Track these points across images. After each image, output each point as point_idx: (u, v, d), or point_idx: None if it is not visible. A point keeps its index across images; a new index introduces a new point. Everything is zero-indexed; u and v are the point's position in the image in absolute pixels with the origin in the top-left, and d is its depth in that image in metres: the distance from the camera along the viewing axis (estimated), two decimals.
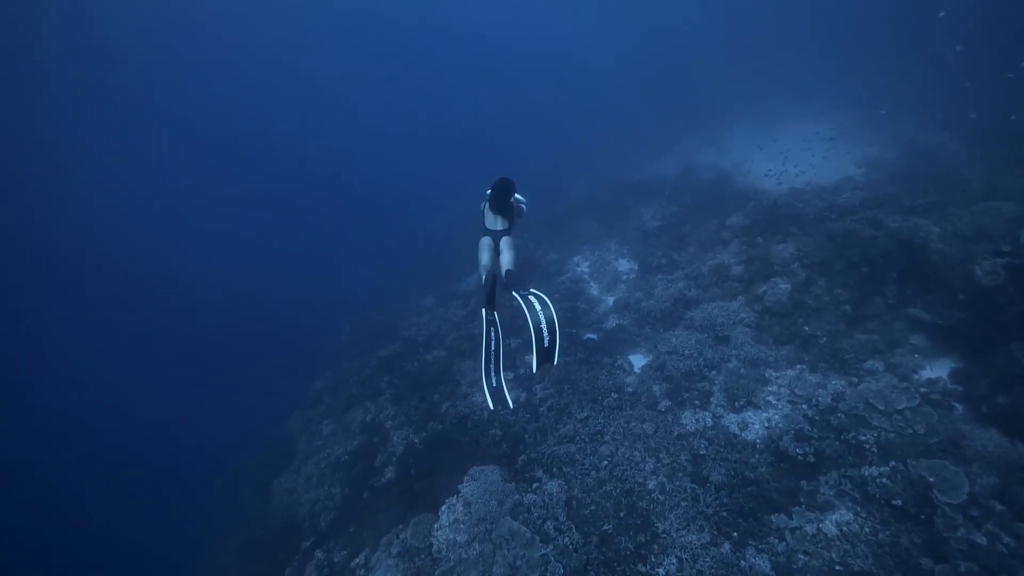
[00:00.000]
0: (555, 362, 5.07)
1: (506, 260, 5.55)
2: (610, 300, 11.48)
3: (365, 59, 46.54)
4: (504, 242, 5.65)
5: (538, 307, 5.18)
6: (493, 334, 5.26)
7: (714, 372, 7.90)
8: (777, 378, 7.32)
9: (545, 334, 5.11)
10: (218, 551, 10.83)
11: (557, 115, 32.79)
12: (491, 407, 5.05)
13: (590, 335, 10.35)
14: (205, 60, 36.70)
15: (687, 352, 8.28)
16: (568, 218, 15.27)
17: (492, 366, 5.22)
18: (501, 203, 5.65)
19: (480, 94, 45.88)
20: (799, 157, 13.84)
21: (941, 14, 13.45)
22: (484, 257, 5.77)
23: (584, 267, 13.14)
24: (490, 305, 5.23)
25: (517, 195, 5.82)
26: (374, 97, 47.62)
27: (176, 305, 25.15)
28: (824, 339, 7.76)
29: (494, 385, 5.18)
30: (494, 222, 5.74)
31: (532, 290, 5.43)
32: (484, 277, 5.53)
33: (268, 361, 16.48)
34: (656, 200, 14.18)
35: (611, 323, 10.53)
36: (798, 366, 7.45)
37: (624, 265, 12.58)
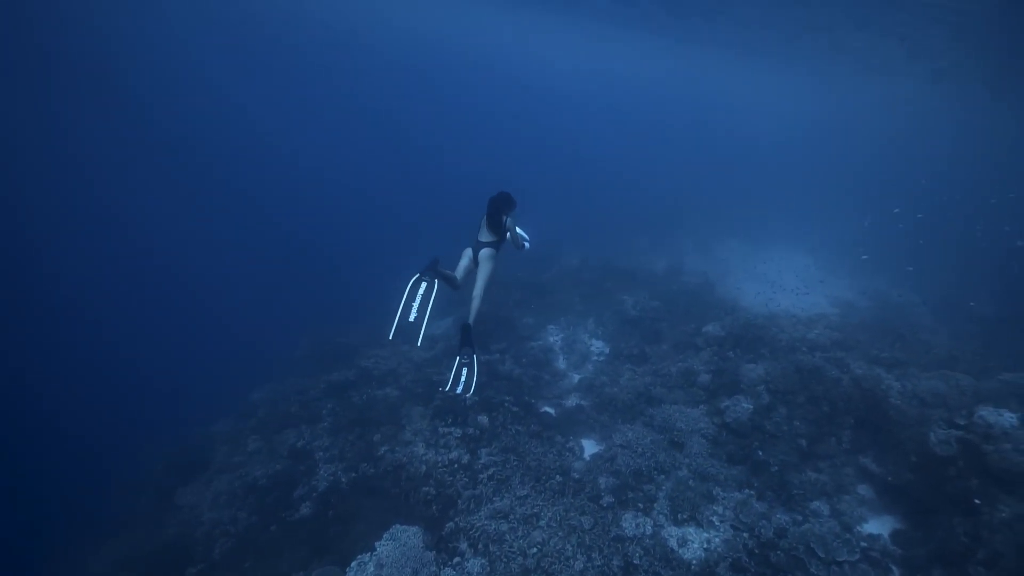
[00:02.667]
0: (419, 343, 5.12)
1: (478, 287, 5.57)
2: (575, 377, 11.35)
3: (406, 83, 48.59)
4: (484, 253, 5.61)
5: (463, 377, 5.25)
6: (424, 287, 5.28)
7: (663, 477, 7.71)
8: (724, 498, 7.16)
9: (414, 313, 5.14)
10: (91, 556, 9.67)
11: (567, 186, 33.76)
12: (391, 336, 4.94)
13: (548, 408, 10.13)
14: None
15: (640, 450, 8.10)
16: (553, 287, 15.36)
17: (417, 305, 5.17)
18: (494, 217, 5.63)
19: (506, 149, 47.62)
20: (781, 284, 14.39)
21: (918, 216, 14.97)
22: (460, 266, 5.77)
23: (557, 338, 13.07)
24: (429, 273, 5.34)
25: (520, 231, 5.83)
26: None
27: (140, 276, 23.79)
28: (776, 468, 7.69)
29: (410, 320, 5.12)
30: (484, 234, 5.73)
31: (474, 357, 5.36)
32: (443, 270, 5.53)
33: (212, 357, 15.49)
34: (640, 290, 14.42)
35: (571, 401, 10.35)
36: (746, 490, 7.31)
37: (596, 346, 12.56)
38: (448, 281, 5.61)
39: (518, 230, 5.82)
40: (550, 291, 15.10)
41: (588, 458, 8.48)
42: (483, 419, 9.07)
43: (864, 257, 15.22)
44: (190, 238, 25.80)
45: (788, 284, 14.50)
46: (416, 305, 5.18)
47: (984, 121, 28.18)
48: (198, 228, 26.89)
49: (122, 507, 10.57)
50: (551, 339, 12.97)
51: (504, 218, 5.62)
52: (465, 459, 8.20)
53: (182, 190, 30.90)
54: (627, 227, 22.82)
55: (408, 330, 5.13)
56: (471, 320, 5.48)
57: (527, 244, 5.96)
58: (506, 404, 9.49)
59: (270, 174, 35.25)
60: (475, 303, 5.53)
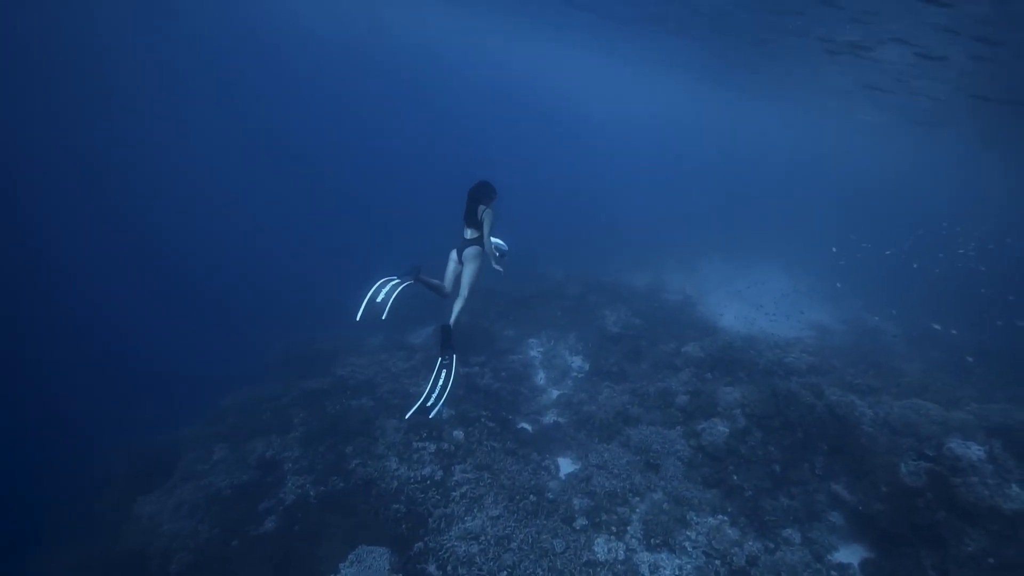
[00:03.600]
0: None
1: (463, 288, 5.40)
2: (554, 393, 11.28)
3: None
4: (469, 252, 5.36)
5: (441, 381, 5.13)
6: (396, 281, 5.21)
7: (637, 499, 7.65)
8: (698, 523, 7.12)
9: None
10: (45, 559, 9.24)
11: (554, 199, 33.80)
12: (357, 318, 4.91)
13: (525, 424, 10.02)
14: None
15: (616, 471, 8.05)
16: (535, 300, 15.29)
17: (386, 290, 5.09)
18: (471, 208, 5.38)
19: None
20: (761, 305, 14.55)
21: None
22: (447, 271, 5.55)
23: (537, 352, 13.00)
24: (406, 277, 5.20)
25: (497, 239, 5.64)
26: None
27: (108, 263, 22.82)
28: (750, 493, 7.70)
29: (378, 300, 5.03)
30: (467, 231, 5.48)
31: (454, 358, 5.24)
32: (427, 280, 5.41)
33: (184, 358, 15.01)
34: (622, 307, 14.44)
35: (549, 418, 10.26)
36: (720, 516, 7.30)
37: (576, 362, 12.51)
38: (434, 289, 5.43)
39: (494, 240, 5.59)
40: (533, 304, 15.04)
41: (563, 477, 8.39)
42: (458, 434, 8.93)
43: (838, 285, 15.58)
44: (168, 237, 25.08)
45: (768, 305, 14.67)
46: (385, 290, 5.10)
47: (975, 165, 28.93)
48: (176, 226, 26.20)
49: (81, 510, 10.13)
50: (531, 353, 12.89)
51: (481, 208, 5.33)
52: (438, 475, 8.04)
53: (164, 189, 30.21)
54: (612, 242, 22.97)
55: (376, 312, 5.03)
56: (452, 321, 5.33)
57: (505, 254, 5.69)
58: (483, 419, 9.37)
59: (253, 174, 34.66)
60: (459, 304, 5.38)
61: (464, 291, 5.38)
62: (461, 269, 5.46)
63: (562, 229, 24.73)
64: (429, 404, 4.99)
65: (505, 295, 15.14)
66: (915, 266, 15.03)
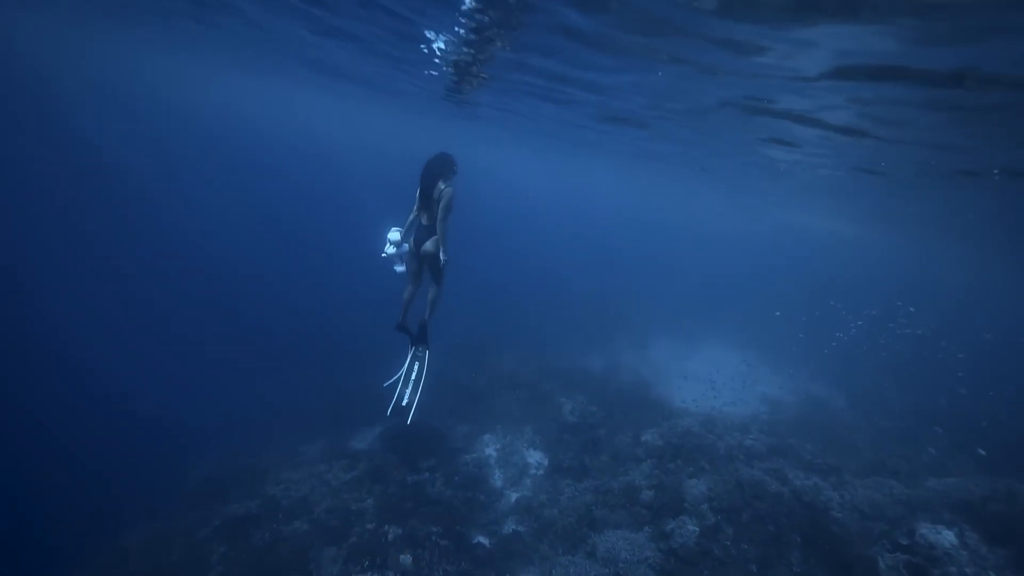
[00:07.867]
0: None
1: (433, 291, 5.26)
2: (513, 496, 10.41)
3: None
4: (431, 245, 4.86)
5: (414, 374, 5.43)
6: (418, 366, 5.53)
7: None
8: None
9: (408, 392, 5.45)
10: None
11: (505, 286, 33.90)
12: (388, 413, 5.40)
13: (481, 538, 9.04)
14: None
15: None
16: (488, 392, 14.66)
17: (410, 389, 5.40)
18: (427, 186, 4.70)
19: None
20: (713, 382, 14.60)
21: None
22: (408, 268, 5.29)
23: (492, 450, 12.18)
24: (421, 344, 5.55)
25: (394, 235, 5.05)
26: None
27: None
28: None
29: (403, 404, 5.36)
30: (424, 216, 4.86)
31: (427, 353, 5.44)
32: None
33: (77, 481, 12.55)
34: (577, 394, 14.08)
35: (508, 527, 9.35)
36: None
37: (535, 457, 11.78)
38: (408, 303, 5.42)
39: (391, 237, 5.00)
40: (485, 396, 14.40)
41: None
42: (406, 559, 7.88)
43: (807, 368, 16.22)
44: (65, 307, 22.00)
45: (720, 382, 14.73)
46: (409, 391, 5.35)
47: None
48: (81, 296, 23.26)
49: None
50: (487, 451, 12.06)
51: (439, 187, 4.69)
52: None
53: (77, 257, 27.57)
54: (562, 324, 22.86)
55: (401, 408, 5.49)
56: (427, 316, 5.26)
57: (445, 259, 5.01)
58: (434, 537, 8.38)
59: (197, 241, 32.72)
60: (433, 302, 5.30)
61: (436, 296, 5.25)
62: (421, 266, 5.19)
63: (516, 316, 24.49)
64: (404, 404, 5.20)
65: (457, 387, 14.48)
66: (839, 334, 15.96)
